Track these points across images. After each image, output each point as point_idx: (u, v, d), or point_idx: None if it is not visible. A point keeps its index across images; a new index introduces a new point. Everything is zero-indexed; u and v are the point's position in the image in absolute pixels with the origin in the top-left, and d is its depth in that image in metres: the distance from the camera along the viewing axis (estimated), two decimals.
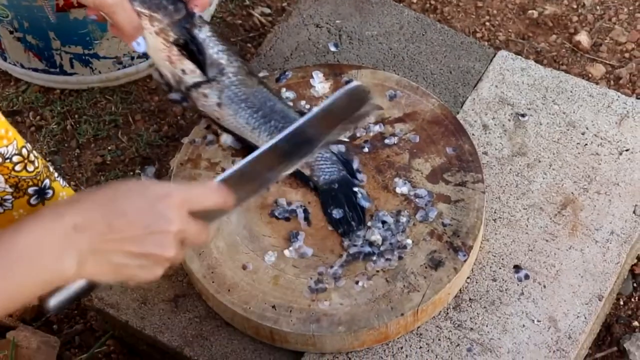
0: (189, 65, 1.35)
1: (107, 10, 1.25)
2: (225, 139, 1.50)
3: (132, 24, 1.28)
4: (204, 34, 1.35)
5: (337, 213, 1.43)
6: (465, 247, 1.42)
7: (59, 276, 0.98)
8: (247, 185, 1.15)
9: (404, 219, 1.43)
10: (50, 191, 1.29)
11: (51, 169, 1.31)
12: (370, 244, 1.41)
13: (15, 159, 1.23)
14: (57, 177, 1.31)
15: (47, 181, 1.28)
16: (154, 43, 1.33)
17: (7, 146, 1.21)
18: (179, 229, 1.02)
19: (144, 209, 1.00)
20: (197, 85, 1.37)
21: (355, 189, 1.45)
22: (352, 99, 1.24)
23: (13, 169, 1.23)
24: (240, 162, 1.14)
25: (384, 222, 1.43)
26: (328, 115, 1.22)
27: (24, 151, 1.23)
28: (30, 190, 1.27)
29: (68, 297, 1.06)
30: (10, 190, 1.25)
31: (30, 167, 1.25)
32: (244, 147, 1.48)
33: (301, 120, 1.19)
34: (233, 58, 1.38)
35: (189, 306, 1.46)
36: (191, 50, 1.34)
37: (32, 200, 1.28)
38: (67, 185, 1.33)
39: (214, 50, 1.36)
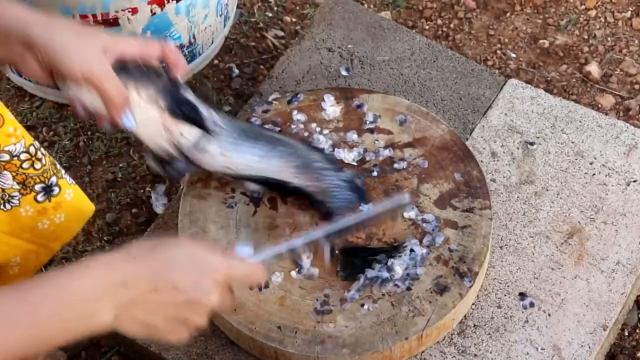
0: (185, 126, 1.36)
1: (96, 80, 1.23)
2: (252, 187, 1.50)
3: (122, 95, 1.26)
4: (189, 95, 1.37)
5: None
6: (471, 273, 1.42)
7: (92, 326, 1.03)
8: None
9: (424, 250, 1.44)
10: (57, 188, 1.30)
11: (58, 166, 1.31)
12: (389, 269, 1.42)
13: (23, 156, 1.23)
14: (64, 174, 1.32)
15: (53, 178, 1.29)
16: (145, 114, 1.33)
17: (15, 144, 1.22)
18: (216, 302, 1.09)
19: (192, 280, 1.06)
20: (196, 144, 1.38)
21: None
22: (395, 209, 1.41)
23: (21, 166, 1.24)
24: (281, 246, 1.25)
25: (412, 251, 1.43)
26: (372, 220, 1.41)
27: (32, 149, 1.24)
28: (37, 187, 1.27)
29: None
30: (17, 187, 1.26)
31: (38, 165, 1.26)
32: (269, 189, 1.49)
33: (349, 221, 1.33)
34: (216, 112, 1.41)
35: None
36: (182, 113, 1.35)
37: (39, 197, 1.28)
38: (74, 182, 1.33)
39: (202, 107, 1.39)
